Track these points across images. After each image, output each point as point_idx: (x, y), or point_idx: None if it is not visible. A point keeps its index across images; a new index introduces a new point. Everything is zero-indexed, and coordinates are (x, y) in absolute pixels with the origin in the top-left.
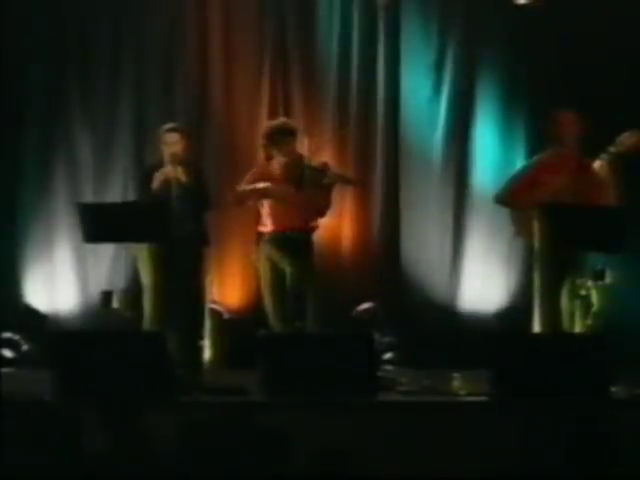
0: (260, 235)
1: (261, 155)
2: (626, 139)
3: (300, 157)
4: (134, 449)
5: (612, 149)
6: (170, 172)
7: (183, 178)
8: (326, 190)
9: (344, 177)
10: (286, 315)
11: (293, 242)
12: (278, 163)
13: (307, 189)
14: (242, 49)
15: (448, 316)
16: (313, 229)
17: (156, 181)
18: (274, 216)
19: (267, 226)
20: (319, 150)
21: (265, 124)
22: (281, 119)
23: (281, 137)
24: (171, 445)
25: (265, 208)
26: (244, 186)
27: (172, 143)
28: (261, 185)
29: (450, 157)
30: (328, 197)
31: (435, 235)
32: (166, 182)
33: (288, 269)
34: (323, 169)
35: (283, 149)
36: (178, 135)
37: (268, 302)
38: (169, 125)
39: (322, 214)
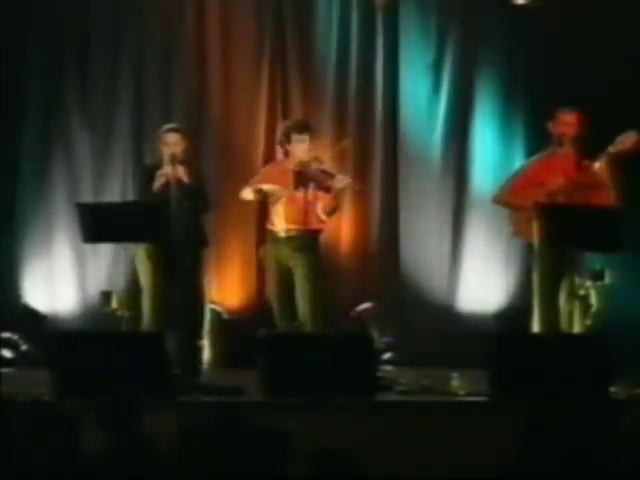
0: (268, 233)
1: (260, 154)
2: (626, 139)
3: (313, 157)
4: (134, 449)
5: (611, 149)
6: (170, 172)
7: (185, 178)
8: (333, 193)
9: (351, 185)
10: (292, 315)
11: (300, 241)
12: (290, 162)
13: (315, 190)
14: (240, 49)
15: (447, 316)
16: (320, 229)
17: (157, 181)
18: (282, 215)
19: (275, 225)
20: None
21: (281, 122)
22: (298, 118)
23: (296, 135)
24: (171, 445)
25: (274, 207)
26: (254, 184)
27: (172, 143)
28: (267, 187)
29: (449, 156)
30: (335, 199)
31: (434, 235)
32: (166, 182)
33: (296, 268)
34: (332, 173)
35: (297, 147)
36: (179, 136)
37: (275, 301)
38: (169, 125)
39: (328, 216)
